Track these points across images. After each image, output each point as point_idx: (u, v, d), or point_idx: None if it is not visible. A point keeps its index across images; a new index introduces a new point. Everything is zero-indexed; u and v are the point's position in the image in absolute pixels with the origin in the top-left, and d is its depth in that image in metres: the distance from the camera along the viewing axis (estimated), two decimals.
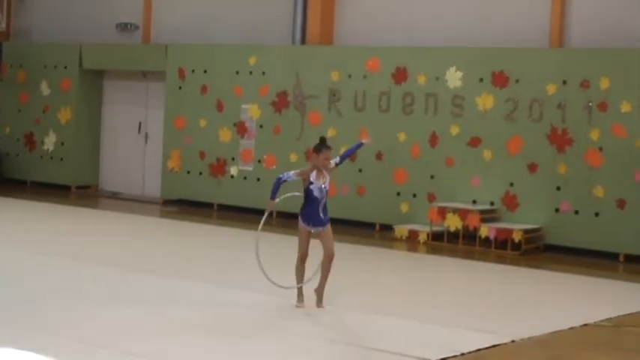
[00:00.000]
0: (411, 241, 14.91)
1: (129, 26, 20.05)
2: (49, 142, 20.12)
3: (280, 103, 17.16)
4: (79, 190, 19.91)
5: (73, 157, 19.88)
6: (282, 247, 12.10)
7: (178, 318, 8.74)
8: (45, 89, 20.22)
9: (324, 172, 9.39)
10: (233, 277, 10.87)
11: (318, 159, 9.33)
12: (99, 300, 9.31)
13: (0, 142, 20.60)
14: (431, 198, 15.50)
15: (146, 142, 19.60)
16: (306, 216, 9.32)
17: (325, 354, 7.82)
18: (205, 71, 18.06)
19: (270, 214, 9.81)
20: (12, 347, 7.41)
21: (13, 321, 8.27)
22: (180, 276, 10.77)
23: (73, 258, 11.62)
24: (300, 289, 9.45)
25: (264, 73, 17.35)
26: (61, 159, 19.98)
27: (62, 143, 19.95)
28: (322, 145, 9.37)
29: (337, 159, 9.62)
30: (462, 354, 7.98)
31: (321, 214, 9.32)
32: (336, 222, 16.25)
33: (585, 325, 9.48)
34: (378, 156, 16.06)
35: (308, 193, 9.33)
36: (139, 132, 19.72)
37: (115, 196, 19.52)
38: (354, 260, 13.01)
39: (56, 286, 9.95)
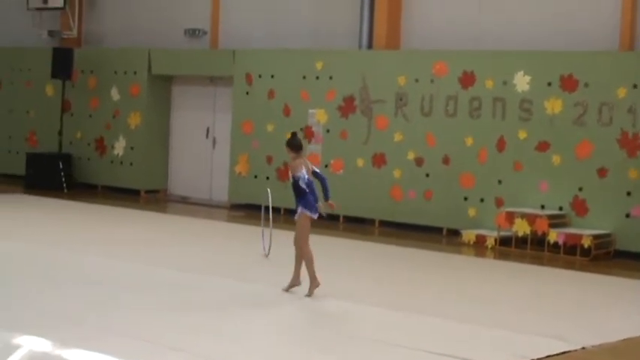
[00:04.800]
0: (479, 246, 14.83)
1: (197, 32, 20.25)
2: (119, 147, 20.41)
3: (347, 107, 17.19)
4: (148, 194, 20.16)
5: (143, 161, 20.13)
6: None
7: (250, 321, 8.82)
8: (115, 95, 20.52)
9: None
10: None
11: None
12: (170, 303, 9.44)
13: (71, 146, 20.94)
14: (499, 203, 15.41)
15: (214, 146, 19.78)
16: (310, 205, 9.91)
17: (392, 359, 7.83)
18: (272, 76, 18.18)
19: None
20: (82, 348, 7.55)
21: (83, 322, 8.42)
22: (248, 279, 10.84)
23: (144, 262, 11.78)
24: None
25: (330, 77, 17.41)
26: (131, 164, 20.25)
27: (132, 148, 20.22)
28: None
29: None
30: None
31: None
32: (403, 227, 16.34)
33: None
34: (445, 160, 16.01)
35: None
36: (206, 137, 19.90)
37: (183, 200, 19.72)
38: (421, 265, 12.99)
39: (126, 289, 10.09)
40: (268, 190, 10.75)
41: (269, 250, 10.50)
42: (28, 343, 7.65)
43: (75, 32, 21.81)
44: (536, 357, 8.03)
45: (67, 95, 20.76)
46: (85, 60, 20.94)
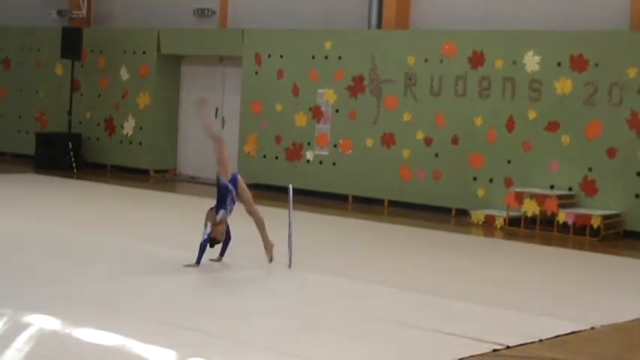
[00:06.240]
0: (488, 227, 14.83)
1: (206, 11, 20.22)
2: (128, 127, 20.42)
3: (356, 87, 17.16)
4: (157, 174, 20.18)
5: (152, 141, 20.16)
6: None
7: (257, 301, 8.85)
8: (124, 74, 20.52)
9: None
10: (310, 261, 10.92)
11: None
12: (178, 284, 9.46)
13: (81, 126, 20.97)
14: (508, 183, 15.39)
15: (223, 126, 19.77)
16: None
17: (402, 338, 7.84)
18: (281, 56, 18.14)
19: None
20: (92, 327, 7.58)
21: (93, 301, 8.45)
22: (258, 260, 10.86)
23: (154, 242, 11.80)
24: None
25: (340, 57, 17.37)
26: (140, 143, 20.27)
27: (141, 128, 20.23)
28: None
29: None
30: (541, 340, 7.93)
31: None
32: (412, 207, 16.34)
33: None
34: (455, 141, 15.98)
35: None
36: (215, 117, 19.89)
37: (192, 180, 19.74)
38: (429, 245, 12.99)
39: (135, 268, 10.12)
40: (290, 186, 10.60)
41: (291, 260, 10.38)
42: (38, 321, 7.68)
43: (84, 12, 21.80)
44: (545, 337, 8.02)
45: (76, 75, 20.76)
46: (94, 40, 20.92)
